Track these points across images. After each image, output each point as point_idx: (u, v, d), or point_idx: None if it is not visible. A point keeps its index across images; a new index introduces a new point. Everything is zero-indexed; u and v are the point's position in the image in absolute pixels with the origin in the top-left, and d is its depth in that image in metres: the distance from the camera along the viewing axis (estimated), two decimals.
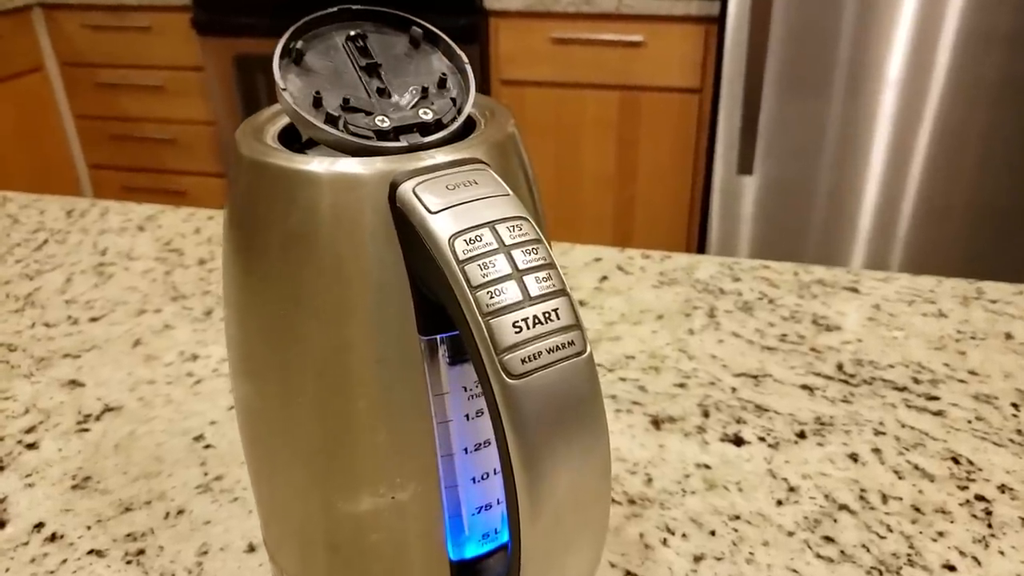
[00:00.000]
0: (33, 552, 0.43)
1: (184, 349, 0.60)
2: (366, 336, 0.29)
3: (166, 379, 0.57)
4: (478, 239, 0.25)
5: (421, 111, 0.30)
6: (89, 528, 0.45)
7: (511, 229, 0.26)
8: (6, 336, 0.62)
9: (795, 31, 1.58)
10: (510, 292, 0.25)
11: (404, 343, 0.29)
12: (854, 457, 0.49)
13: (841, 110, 1.62)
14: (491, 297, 0.25)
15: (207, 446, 0.50)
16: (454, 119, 0.30)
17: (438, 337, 0.29)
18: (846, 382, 0.56)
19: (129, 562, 0.43)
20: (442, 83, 0.31)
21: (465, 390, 0.30)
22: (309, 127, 0.29)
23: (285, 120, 0.33)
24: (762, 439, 0.51)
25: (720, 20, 1.63)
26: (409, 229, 0.27)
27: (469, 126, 0.32)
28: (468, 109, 0.31)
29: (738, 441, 0.50)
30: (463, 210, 0.26)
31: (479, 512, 0.32)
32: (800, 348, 0.60)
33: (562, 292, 0.26)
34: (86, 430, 0.52)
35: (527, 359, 0.25)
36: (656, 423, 0.52)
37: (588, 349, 0.26)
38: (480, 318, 0.25)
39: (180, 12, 2.06)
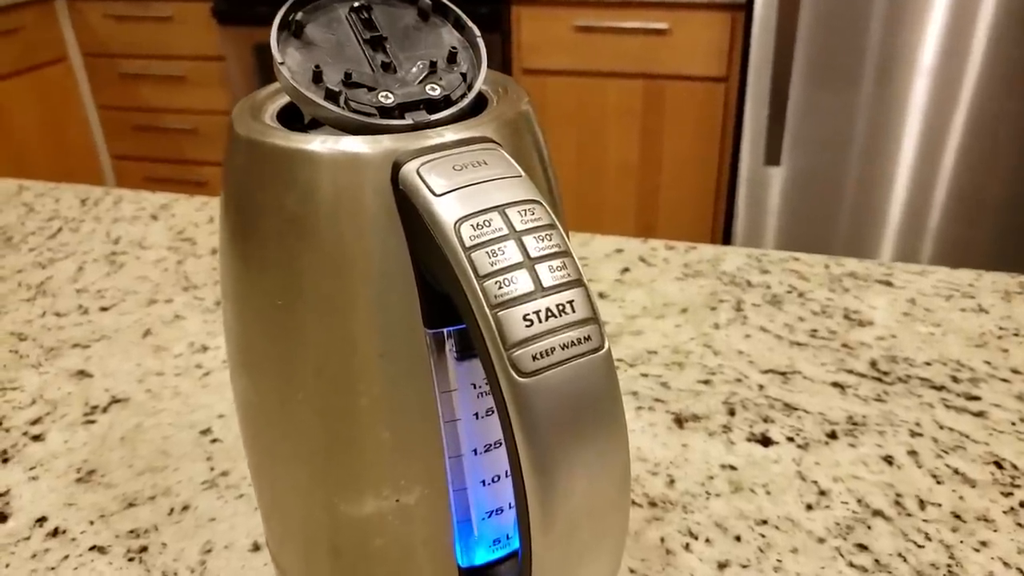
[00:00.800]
0: (34, 547, 0.42)
1: (194, 340, 0.59)
2: (368, 328, 0.27)
3: (175, 371, 0.55)
4: (486, 224, 0.23)
5: (428, 87, 0.28)
6: (92, 523, 0.43)
7: (523, 213, 0.24)
8: (17, 325, 0.61)
9: (824, 17, 1.54)
10: (521, 282, 0.23)
11: (409, 336, 0.27)
12: (889, 460, 0.46)
13: (872, 99, 1.57)
14: (500, 287, 0.23)
15: (214, 440, 0.49)
16: (464, 95, 0.28)
17: (445, 330, 0.27)
18: (880, 380, 0.53)
19: (131, 559, 0.41)
20: (452, 58, 0.29)
21: (474, 387, 0.28)
22: (308, 104, 0.27)
23: (285, 99, 0.31)
24: (791, 439, 0.48)
25: (747, 7, 1.59)
26: (413, 213, 0.25)
27: (480, 104, 0.30)
28: (479, 85, 0.29)
29: (765, 441, 0.48)
30: (470, 192, 0.24)
31: (489, 517, 0.30)
32: (831, 344, 0.57)
33: (578, 282, 0.24)
34: (92, 422, 0.51)
35: (539, 355, 0.22)
36: (679, 421, 0.50)
37: (606, 345, 0.23)
38: (488, 310, 0.23)
39: (201, 1, 2.05)
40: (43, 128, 1.97)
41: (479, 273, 0.23)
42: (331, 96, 0.27)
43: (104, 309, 0.62)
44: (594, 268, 0.68)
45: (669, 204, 1.91)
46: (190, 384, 0.54)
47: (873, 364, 0.55)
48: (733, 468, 0.46)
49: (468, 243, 0.23)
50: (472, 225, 0.23)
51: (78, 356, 0.57)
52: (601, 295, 0.64)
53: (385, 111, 0.27)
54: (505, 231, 0.23)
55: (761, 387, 0.53)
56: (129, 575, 0.40)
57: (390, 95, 0.27)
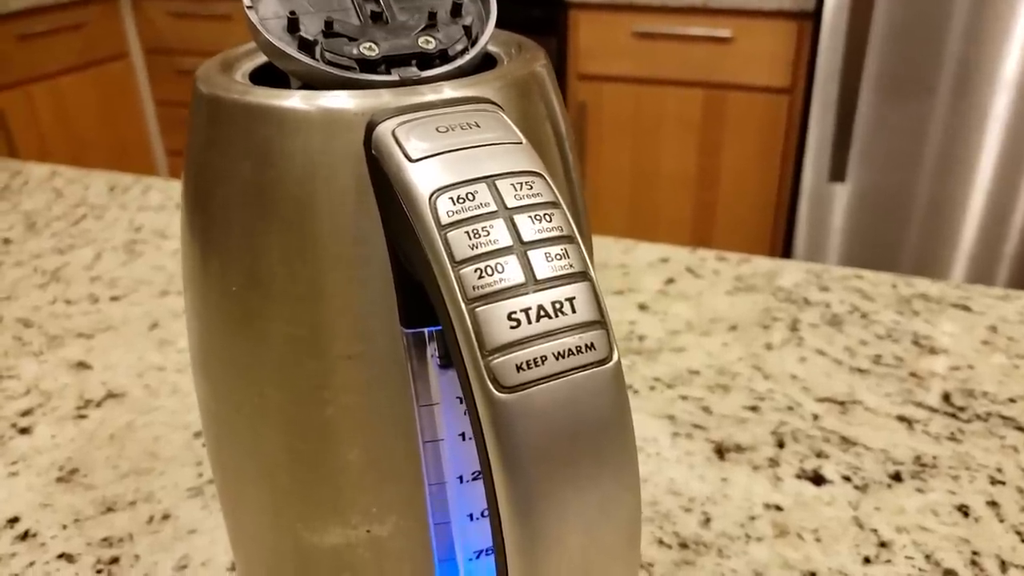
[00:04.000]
0: (0, 551, 0.39)
1: None
2: (334, 325, 0.22)
3: (176, 366, 0.52)
4: (469, 197, 0.19)
5: (422, 40, 0.23)
6: (65, 528, 0.40)
7: (518, 187, 0.19)
8: (25, 311, 0.58)
9: (899, 26, 1.45)
10: (508, 271, 0.18)
11: (383, 336, 0.22)
12: (964, 510, 0.40)
13: (947, 113, 1.48)
14: (480, 276, 0.18)
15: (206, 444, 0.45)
16: (464, 50, 0.24)
17: (426, 331, 0.22)
18: (954, 416, 0.47)
19: (100, 571, 0.37)
20: (456, 10, 0.25)
21: (461, 402, 0.23)
22: (278, 55, 0.23)
23: (264, 57, 0.27)
24: (847, 479, 0.42)
25: (815, 15, 1.51)
26: (386, 183, 0.20)
27: (488, 65, 0.25)
28: (485, 40, 0.24)
29: (818, 479, 0.42)
30: (454, 159, 0.19)
31: (478, 557, 0.25)
32: (898, 372, 0.51)
33: (582, 276, 0.19)
34: (84, 417, 0.47)
35: (525, 365, 0.18)
36: (720, 452, 0.44)
37: (615, 356, 0.18)
38: (463, 305, 0.18)
39: None
40: (101, 122, 2.00)
41: (455, 257, 0.18)
42: (305, 47, 0.23)
43: (115, 299, 0.60)
44: (636, 277, 0.63)
45: (726, 219, 1.84)
46: (190, 381, 0.50)
47: (946, 397, 0.48)
48: (779, 508, 0.40)
49: (445, 220, 0.18)
50: (451, 198, 0.19)
51: (80, 346, 0.54)
52: (641, 307, 0.58)
53: (367, 64, 0.23)
54: (493, 207, 0.19)
55: (815, 417, 0.47)
56: None
57: (374, 47, 0.23)
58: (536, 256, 0.18)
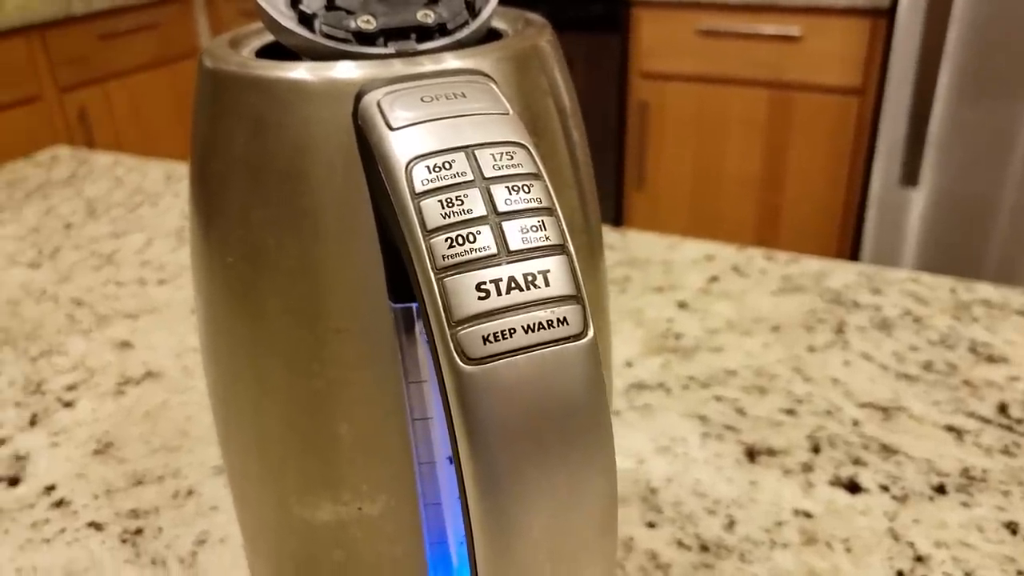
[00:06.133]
0: (36, 516, 0.40)
1: None
2: (323, 297, 0.22)
3: None
4: (446, 166, 0.18)
5: (421, 13, 0.23)
6: (96, 498, 0.41)
7: (497, 157, 0.19)
8: (80, 291, 0.61)
9: (981, 24, 1.39)
10: (480, 241, 0.17)
11: (371, 310, 0.22)
12: (1012, 527, 0.37)
13: None
14: (451, 246, 0.17)
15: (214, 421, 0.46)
16: (465, 23, 0.23)
17: (414, 306, 0.22)
18: (1010, 428, 0.44)
19: (124, 540, 0.38)
20: None
21: None
22: (277, 29, 0.23)
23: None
24: (885, 488, 0.40)
25: (890, 13, 1.46)
26: (370, 154, 0.20)
27: (492, 40, 0.25)
28: (487, 14, 0.24)
29: (853, 487, 0.40)
30: (435, 127, 0.19)
31: None
32: (949, 380, 0.48)
33: (559, 249, 0.18)
34: (123, 394, 0.49)
35: (492, 337, 0.17)
36: (751, 455, 0.43)
37: (589, 332, 0.18)
38: (432, 274, 0.17)
39: None
40: (173, 118, 2.07)
41: (427, 226, 0.18)
42: (305, 20, 0.23)
43: (161, 282, 0.61)
44: (679, 275, 0.61)
45: (792, 223, 1.79)
46: None
47: (1002, 408, 0.45)
48: (808, 515, 0.38)
49: (419, 188, 0.18)
50: (428, 167, 0.18)
51: (126, 326, 0.56)
52: (681, 305, 0.57)
53: (365, 37, 0.23)
54: (469, 176, 0.18)
55: (855, 423, 0.45)
56: (118, 557, 0.37)
57: (372, 20, 0.23)
58: (510, 227, 0.18)
